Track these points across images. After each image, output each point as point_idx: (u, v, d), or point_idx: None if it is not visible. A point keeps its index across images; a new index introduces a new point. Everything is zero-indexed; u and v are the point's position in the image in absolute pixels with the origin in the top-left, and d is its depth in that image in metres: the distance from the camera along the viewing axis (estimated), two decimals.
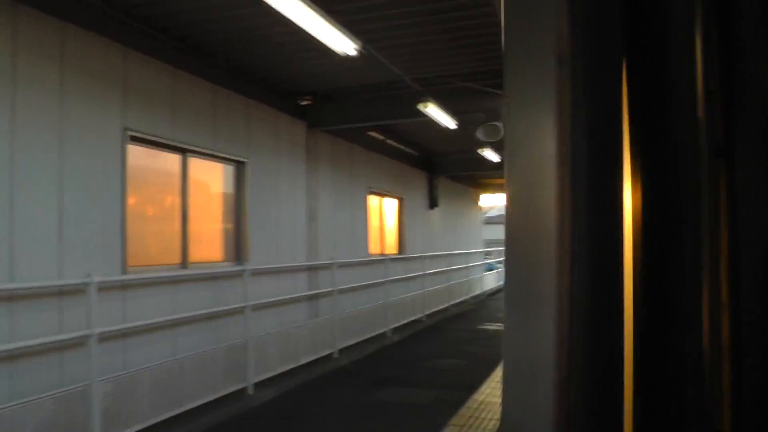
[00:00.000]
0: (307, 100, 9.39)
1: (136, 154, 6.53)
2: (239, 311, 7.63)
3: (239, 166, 8.24)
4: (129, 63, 6.31)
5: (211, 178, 8.00)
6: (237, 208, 8.22)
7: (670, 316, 0.63)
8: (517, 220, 0.60)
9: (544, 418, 0.58)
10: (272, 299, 8.30)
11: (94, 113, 5.88)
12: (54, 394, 5.03)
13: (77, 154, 5.65)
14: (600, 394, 0.61)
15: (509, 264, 0.63)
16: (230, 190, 8.24)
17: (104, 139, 6.00)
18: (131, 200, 6.39)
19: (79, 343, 5.42)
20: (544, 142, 0.56)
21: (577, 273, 0.59)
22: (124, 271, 6.18)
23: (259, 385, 7.60)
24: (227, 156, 7.93)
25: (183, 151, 7.20)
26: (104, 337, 5.62)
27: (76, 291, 5.47)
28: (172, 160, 7.14)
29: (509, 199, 0.60)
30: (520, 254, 0.60)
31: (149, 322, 6.32)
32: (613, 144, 0.57)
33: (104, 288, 5.73)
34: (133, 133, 6.35)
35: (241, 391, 7.40)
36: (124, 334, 6.09)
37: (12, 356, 4.95)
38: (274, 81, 8.57)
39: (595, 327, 0.59)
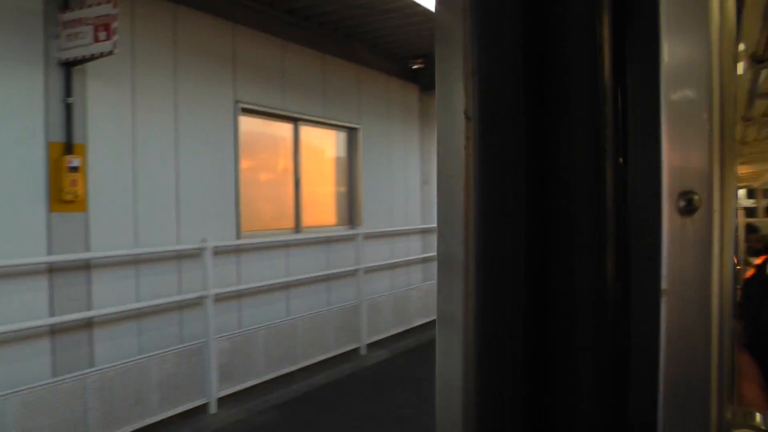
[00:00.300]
0: (419, 63, 9.42)
1: (249, 124, 6.93)
2: (352, 274, 7.96)
3: (351, 132, 8.49)
4: (238, 39, 6.66)
5: (323, 145, 8.32)
6: (350, 173, 8.51)
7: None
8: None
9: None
10: (385, 262, 8.56)
11: (207, 89, 6.29)
12: (175, 349, 5.59)
13: (191, 127, 6.10)
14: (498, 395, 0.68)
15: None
16: (343, 155, 8.53)
17: (217, 113, 6.42)
18: (245, 169, 6.81)
19: (196, 303, 5.94)
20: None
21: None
22: (239, 236, 6.63)
23: (372, 346, 7.94)
24: (339, 123, 8.19)
25: (294, 120, 7.54)
26: (220, 298, 6.11)
27: (193, 255, 5.97)
28: (284, 128, 7.49)
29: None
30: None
31: (263, 284, 6.78)
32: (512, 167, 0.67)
33: (219, 252, 6.22)
34: (245, 106, 6.74)
35: (354, 352, 7.77)
36: (238, 296, 6.57)
37: (139, 314, 5.53)
38: (384, 46, 8.69)
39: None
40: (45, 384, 4.54)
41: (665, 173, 0.63)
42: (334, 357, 7.47)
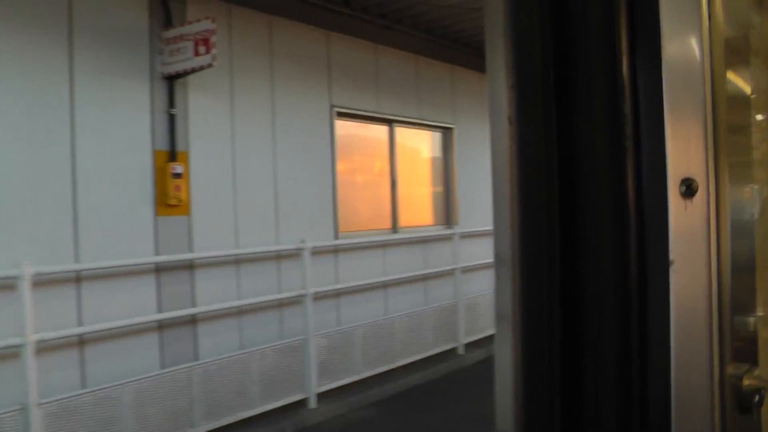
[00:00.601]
0: None
1: (344, 127, 7.19)
2: (449, 273, 8.06)
3: (446, 131, 8.60)
4: (332, 45, 6.94)
5: (418, 145, 8.47)
6: (445, 172, 8.62)
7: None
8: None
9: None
10: (482, 261, 8.59)
11: (302, 94, 6.60)
12: (275, 345, 5.90)
13: (288, 132, 6.42)
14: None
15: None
16: (438, 155, 8.65)
17: (313, 117, 6.72)
18: (341, 171, 7.08)
19: (296, 301, 6.24)
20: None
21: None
22: (336, 237, 6.89)
23: (469, 346, 7.99)
24: (433, 123, 8.32)
25: (389, 122, 7.74)
26: (318, 297, 6.39)
27: (293, 255, 6.28)
28: (380, 130, 7.71)
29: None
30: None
31: (360, 283, 7.01)
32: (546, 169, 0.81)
33: (317, 252, 6.50)
34: (340, 109, 7.00)
35: (452, 351, 7.86)
36: (336, 294, 6.83)
37: (240, 311, 5.89)
38: (476, 45, 8.72)
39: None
40: (154, 375, 4.97)
41: (669, 164, 0.76)
42: (432, 356, 7.59)
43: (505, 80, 0.79)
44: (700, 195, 0.74)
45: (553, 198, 0.79)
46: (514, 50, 0.79)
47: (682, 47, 0.76)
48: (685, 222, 0.75)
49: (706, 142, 0.75)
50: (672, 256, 0.75)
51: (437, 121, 8.37)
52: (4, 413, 4.12)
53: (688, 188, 0.74)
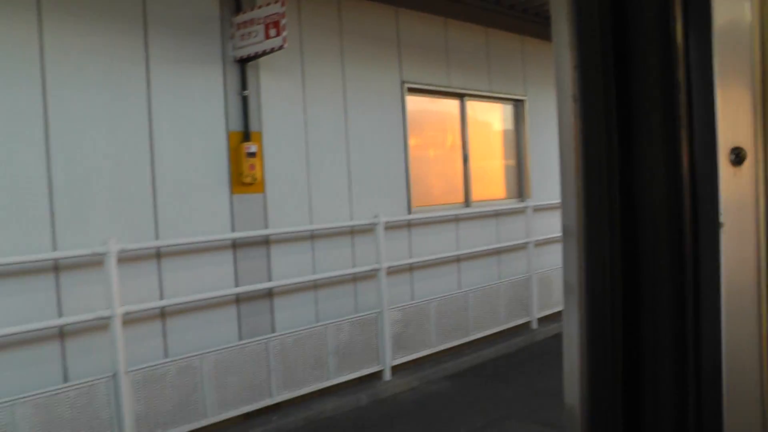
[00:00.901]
0: None
1: (415, 103, 7.18)
2: (521, 247, 7.98)
3: (517, 104, 8.46)
4: (401, 21, 6.92)
5: (489, 119, 8.38)
6: (517, 145, 8.49)
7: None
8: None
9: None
10: (556, 235, 8.45)
11: (373, 72, 6.63)
12: (350, 318, 6.03)
13: (360, 109, 6.48)
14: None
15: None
16: (510, 128, 8.53)
17: (384, 94, 6.75)
18: (413, 146, 7.10)
19: (370, 275, 6.35)
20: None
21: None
22: (410, 211, 6.93)
23: (542, 321, 7.92)
24: (504, 96, 8.20)
25: (460, 96, 7.68)
26: (392, 271, 6.47)
27: (366, 230, 6.38)
28: (450, 105, 7.67)
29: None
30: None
31: (434, 257, 7.04)
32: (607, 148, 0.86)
33: (391, 227, 6.57)
34: (411, 85, 7.00)
35: (525, 326, 7.81)
36: (410, 269, 6.89)
37: (315, 286, 6.03)
38: (547, 14, 8.44)
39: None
40: (233, 346, 5.18)
41: (719, 132, 0.78)
42: (505, 330, 7.56)
43: (569, 60, 0.83)
44: (748, 163, 0.77)
45: (613, 170, 0.83)
46: (576, 31, 0.83)
47: (734, 15, 0.77)
48: (735, 189, 0.78)
49: (755, 112, 0.76)
50: (722, 218, 0.78)
51: (508, 94, 8.24)
52: (97, 380, 4.43)
53: (737, 156, 0.76)
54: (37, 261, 4.32)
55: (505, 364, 6.86)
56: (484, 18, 7.85)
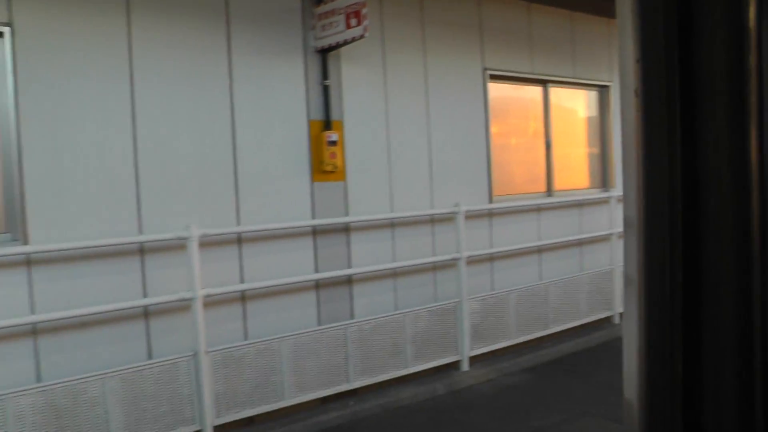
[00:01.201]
0: None
1: (497, 90, 7.02)
2: (604, 239, 7.71)
3: (602, 90, 8.14)
4: (483, 7, 6.76)
5: (573, 105, 8.10)
6: (601, 133, 8.19)
7: None
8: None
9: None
10: None
11: (454, 59, 6.51)
12: (429, 307, 5.97)
13: (441, 97, 6.38)
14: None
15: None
16: (594, 114, 8.23)
17: (466, 81, 6.62)
18: (495, 134, 6.94)
19: (449, 265, 6.27)
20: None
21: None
22: (491, 200, 6.80)
23: None
24: (589, 81, 7.90)
25: (543, 83, 7.46)
26: (472, 261, 6.37)
27: (446, 219, 6.30)
28: (533, 91, 7.46)
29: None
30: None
31: (514, 247, 6.88)
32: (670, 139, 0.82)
33: (471, 216, 6.46)
34: (493, 72, 6.84)
35: (606, 320, 7.55)
36: (490, 258, 6.77)
37: (394, 274, 6.01)
38: None
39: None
40: (312, 331, 5.23)
41: None
42: (586, 324, 7.33)
43: (632, 54, 0.81)
44: None
45: (676, 164, 0.80)
46: (639, 24, 0.81)
47: None
48: None
49: None
50: None
51: (593, 79, 7.93)
52: (179, 358, 4.58)
53: None
54: (124, 244, 4.50)
55: (584, 359, 6.64)
56: (570, 1, 7.58)
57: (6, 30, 4.08)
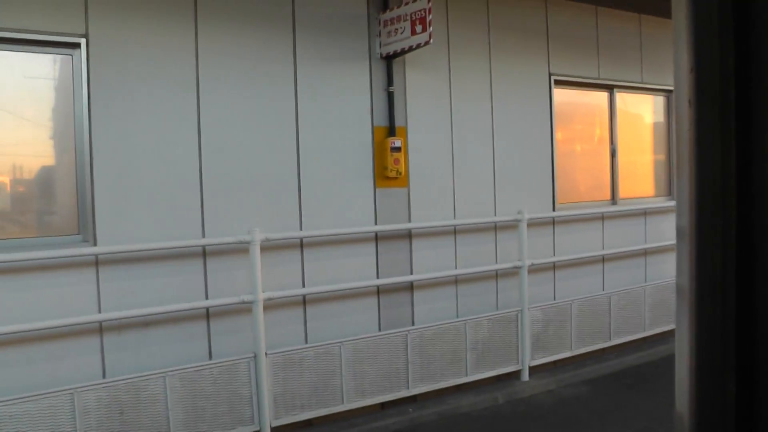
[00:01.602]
0: None
1: (562, 95, 6.83)
2: (670, 249, 7.40)
3: (669, 95, 7.83)
4: (550, 12, 6.59)
5: (639, 111, 7.82)
6: (668, 139, 7.88)
7: None
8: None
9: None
10: None
11: (520, 65, 6.36)
12: (490, 315, 5.84)
13: (506, 104, 6.24)
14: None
15: None
16: (660, 120, 7.93)
17: (531, 87, 6.46)
18: (559, 140, 6.76)
19: (511, 272, 6.13)
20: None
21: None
22: (554, 208, 6.62)
23: None
24: (656, 86, 7.60)
25: (610, 88, 7.22)
26: (534, 269, 6.21)
27: (509, 226, 6.16)
28: (599, 97, 7.24)
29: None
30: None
31: (577, 256, 6.67)
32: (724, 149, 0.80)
33: (534, 224, 6.31)
34: (558, 77, 6.66)
35: (671, 333, 7.16)
36: (552, 267, 6.59)
37: (456, 280, 5.91)
38: None
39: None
40: (372, 336, 5.17)
41: None
42: (649, 337, 7.05)
43: (686, 63, 0.79)
44: None
45: (729, 174, 0.77)
46: (694, 32, 0.78)
47: None
48: None
49: None
50: None
51: (660, 84, 7.64)
52: (239, 359, 4.60)
53: None
54: (188, 247, 4.56)
55: (647, 373, 6.39)
56: (638, 4, 7.32)
57: (82, 41, 4.22)
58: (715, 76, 0.77)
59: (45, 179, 4.32)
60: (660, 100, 7.87)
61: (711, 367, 0.78)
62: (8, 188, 4.18)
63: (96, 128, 4.25)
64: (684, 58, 0.79)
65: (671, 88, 7.58)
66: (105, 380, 4.16)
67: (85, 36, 4.22)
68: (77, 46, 4.22)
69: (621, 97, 7.36)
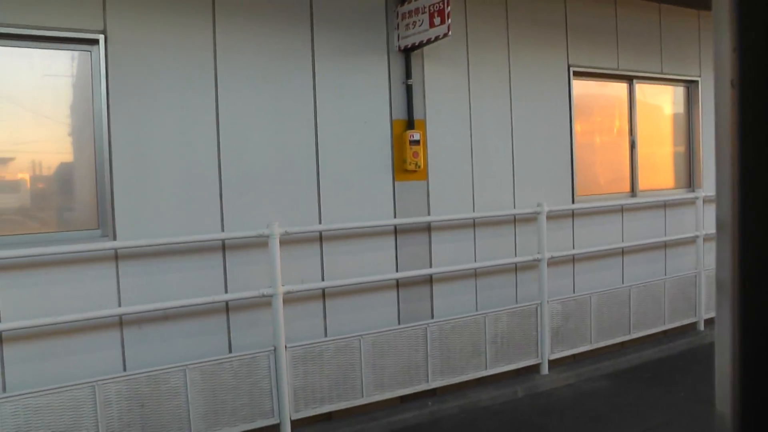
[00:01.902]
0: None
1: (581, 87, 6.74)
2: (690, 241, 7.32)
3: (689, 85, 7.71)
4: (569, 3, 6.48)
5: (658, 102, 7.70)
6: (688, 131, 7.76)
7: None
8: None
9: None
10: None
11: (539, 57, 6.27)
12: (509, 308, 5.78)
13: (525, 96, 6.16)
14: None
15: None
16: (680, 111, 7.81)
17: (550, 79, 6.37)
18: (578, 132, 6.67)
19: (531, 266, 6.07)
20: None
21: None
22: (573, 201, 6.53)
23: (710, 323, 7.23)
24: (676, 77, 7.48)
25: (629, 79, 7.12)
26: (553, 262, 6.15)
27: (528, 219, 6.10)
28: (618, 88, 7.13)
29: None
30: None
31: (597, 249, 6.60)
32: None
33: (553, 216, 6.24)
34: (577, 69, 6.57)
35: (691, 327, 7.17)
36: (572, 260, 6.51)
37: (476, 274, 5.85)
38: None
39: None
40: (392, 329, 5.14)
41: None
42: (669, 330, 6.97)
43: (729, 42, 0.74)
44: None
45: None
46: (737, 9, 0.74)
47: None
48: None
49: None
50: None
51: (681, 74, 7.52)
52: (259, 352, 4.59)
53: None
54: (207, 241, 4.54)
55: (667, 367, 6.32)
56: None
57: (100, 37, 4.21)
58: (762, 54, 0.72)
59: (64, 175, 4.32)
60: (680, 90, 7.74)
61: (755, 365, 0.74)
62: (29, 185, 4.19)
63: (115, 124, 4.25)
64: (726, 36, 0.74)
65: (692, 78, 7.50)
66: (126, 373, 4.18)
67: (104, 32, 4.21)
68: (96, 42, 4.22)
69: (640, 88, 7.25)
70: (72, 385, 3.97)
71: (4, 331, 3.90)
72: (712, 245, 7.47)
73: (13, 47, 4.03)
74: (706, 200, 7.36)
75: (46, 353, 4.06)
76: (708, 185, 7.64)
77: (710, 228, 7.38)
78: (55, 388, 3.92)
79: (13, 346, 3.97)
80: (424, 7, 5.03)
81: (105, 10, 4.21)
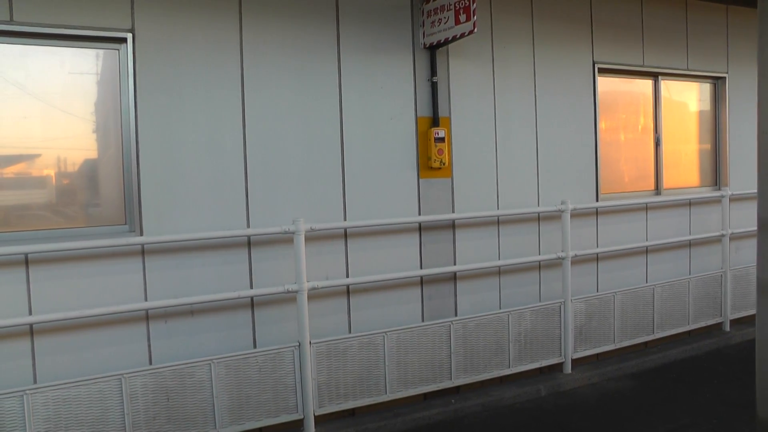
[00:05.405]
0: None
1: (606, 84, 6.67)
2: (716, 240, 7.23)
3: (716, 82, 7.59)
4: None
5: (684, 99, 7.59)
6: (715, 128, 7.65)
7: None
8: None
9: None
10: (755, 228, 7.57)
11: (564, 53, 6.20)
12: (533, 307, 5.74)
13: (550, 93, 6.10)
14: None
15: None
16: (706, 108, 7.70)
17: (575, 76, 6.30)
18: (603, 130, 6.60)
19: (554, 264, 6.03)
20: None
21: None
22: (597, 199, 6.46)
23: (736, 323, 7.13)
24: (702, 73, 7.36)
25: (654, 75, 7.04)
26: (577, 260, 6.10)
27: (552, 217, 6.05)
28: (643, 85, 7.05)
29: None
30: None
31: (621, 247, 6.52)
32: None
33: (577, 214, 6.19)
34: (602, 65, 6.49)
35: (716, 327, 7.08)
36: (596, 258, 6.45)
37: (500, 271, 5.82)
38: None
39: None
40: (415, 326, 5.13)
41: None
42: (693, 331, 6.89)
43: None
44: None
45: None
46: None
47: None
48: None
49: None
50: None
51: (708, 71, 7.40)
52: (284, 348, 4.63)
53: None
54: (233, 237, 4.57)
55: (691, 368, 6.24)
56: None
57: (129, 36, 4.26)
58: None
59: (92, 171, 4.35)
60: (706, 87, 7.63)
61: None
62: (58, 181, 4.24)
63: (142, 121, 4.29)
64: None
65: (719, 74, 7.41)
66: (152, 366, 4.24)
67: (131, 31, 4.25)
68: (124, 41, 4.26)
69: (666, 85, 7.16)
70: (100, 378, 4.04)
71: (35, 323, 3.97)
72: (738, 244, 7.38)
73: (45, 46, 4.09)
74: (732, 199, 7.25)
75: (74, 346, 4.13)
76: (735, 183, 7.53)
77: (737, 227, 7.28)
78: (84, 380, 3.99)
79: (44, 338, 4.04)
80: (450, 5, 5.00)
81: (133, 9, 4.26)
